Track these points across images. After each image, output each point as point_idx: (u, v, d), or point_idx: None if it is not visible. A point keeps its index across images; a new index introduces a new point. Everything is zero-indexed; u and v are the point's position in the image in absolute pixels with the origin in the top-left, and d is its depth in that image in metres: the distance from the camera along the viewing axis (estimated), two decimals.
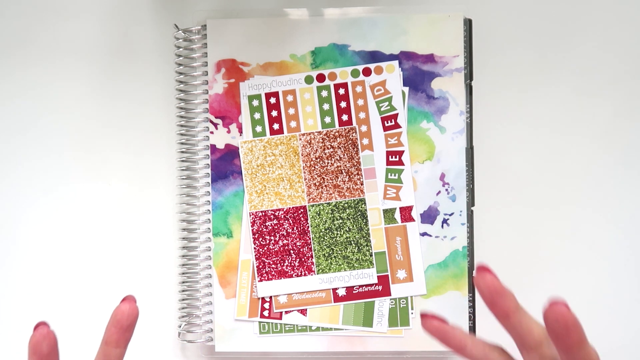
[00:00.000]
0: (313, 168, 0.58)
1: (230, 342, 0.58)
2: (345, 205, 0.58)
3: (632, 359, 0.60)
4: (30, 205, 0.61)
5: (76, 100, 0.61)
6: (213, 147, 0.59)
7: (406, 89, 0.58)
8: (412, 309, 0.58)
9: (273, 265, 0.58)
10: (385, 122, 0.58)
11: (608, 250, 0.60)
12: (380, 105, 0.59)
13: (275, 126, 0.59)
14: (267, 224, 0.58)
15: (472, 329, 0.58)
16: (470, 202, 0.58)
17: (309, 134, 0.59)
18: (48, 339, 0.41)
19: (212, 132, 0.59)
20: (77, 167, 0.61)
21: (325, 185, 0.58)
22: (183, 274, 0.59)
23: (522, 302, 0.59)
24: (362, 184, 0.58)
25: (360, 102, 0.59)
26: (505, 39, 0.60)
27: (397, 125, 0.58)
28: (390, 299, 0.58)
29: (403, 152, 0.58)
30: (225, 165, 0.59)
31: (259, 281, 0.58)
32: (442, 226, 0.58)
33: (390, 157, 0.58)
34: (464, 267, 0.58)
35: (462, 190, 0.58)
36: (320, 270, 0.58)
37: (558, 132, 0.60)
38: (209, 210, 0.59)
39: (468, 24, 0.59)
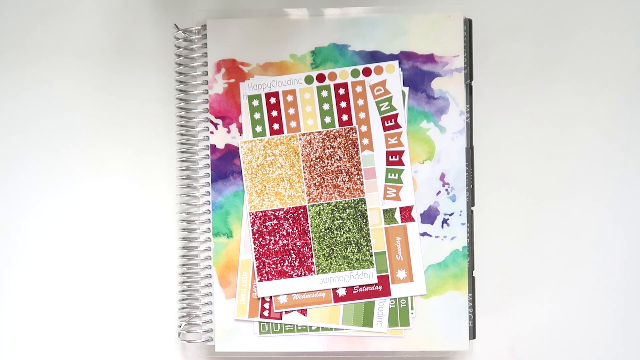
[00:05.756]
0: (313, 168, 0.58)
1: (230, 342, 0.58)
2: (345, 205, 0.58)
3: (632, 357, 0.60)
4: (29, 204, 0.61)
5: (76, 100, 0.61)
6: (213, 147, 0.59)
7: (406, 89, 0.58)
8: (412, 309, 0.58)
9: (273, 265, 0.58)
10: (385, 122, 0.58)
11: (609, 250, 0.60)
12: (380, 105, 0.59)
13: (275, 126, 0.59)
14: (267, 224, 0.58)
15: (472, 328, 0.58)
16: (470, 202, 0.58)
17: (309, 134, 0.59)
18: None
19: (212, 132, 0.59)
20: (77, 167, 0.61)
21: (325, 185, 0.58)
22: (183, 274, 0.59)
23: (522, 302, 0.60)
24: (362, 184, 0.58)
25: (360, 102, 0.59)
26: (505, 39, 0.60)
27: (397, 125, 0.58)
28: (390, 299, 0.58)
29: (403, 152, 0.58)
30: (225, 165, 0.59)
31: (259, 281, 0.58)
32: (442, 226, 0.58)
33: (390, 157, 0.58)
34: (464, 267, 0.58)
35: (462, 190, 0.58)
36: (320, 270, 0.58)
37: (558, 131, 0.60)
38: (209, 210, 0.59)
39: (468, 24, 0.59)
